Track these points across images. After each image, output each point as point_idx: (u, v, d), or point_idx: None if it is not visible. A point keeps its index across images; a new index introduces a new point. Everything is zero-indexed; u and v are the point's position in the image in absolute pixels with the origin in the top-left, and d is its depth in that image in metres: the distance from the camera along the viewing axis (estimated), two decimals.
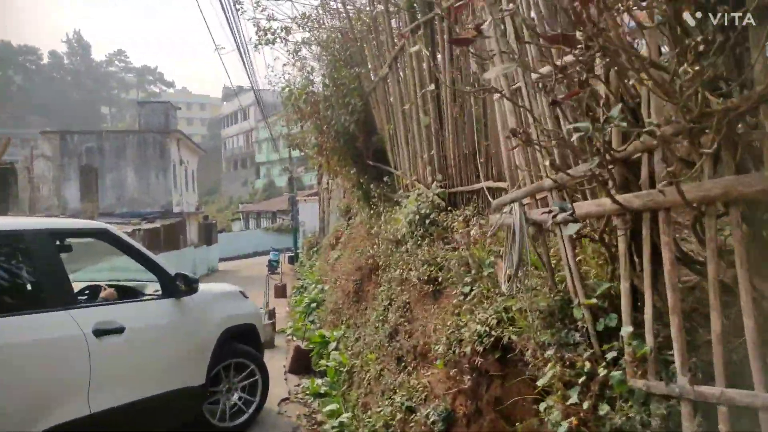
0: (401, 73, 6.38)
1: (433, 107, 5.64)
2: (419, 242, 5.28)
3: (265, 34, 7.52)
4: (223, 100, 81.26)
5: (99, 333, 3.80)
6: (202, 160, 44.80)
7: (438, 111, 5.58)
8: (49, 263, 3.82)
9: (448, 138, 5.43)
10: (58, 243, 4.21)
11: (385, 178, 8.00)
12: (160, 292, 4.71)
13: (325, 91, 8.15)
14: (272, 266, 27.64)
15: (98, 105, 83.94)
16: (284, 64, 8.76)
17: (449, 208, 5.35)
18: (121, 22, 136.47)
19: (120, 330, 3.98)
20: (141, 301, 4.66)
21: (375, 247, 7.96)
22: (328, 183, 27.05)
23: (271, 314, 10.31)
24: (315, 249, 26.43)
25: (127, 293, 4.99)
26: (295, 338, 10.19)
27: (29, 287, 3.89)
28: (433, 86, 5.25)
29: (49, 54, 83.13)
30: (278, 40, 7.63)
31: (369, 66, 7.33)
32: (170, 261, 23.40)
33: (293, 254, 32.03)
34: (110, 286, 5.03)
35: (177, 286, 4.65)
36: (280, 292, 17.38)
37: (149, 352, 4.36)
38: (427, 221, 5.36)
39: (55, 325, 3.63)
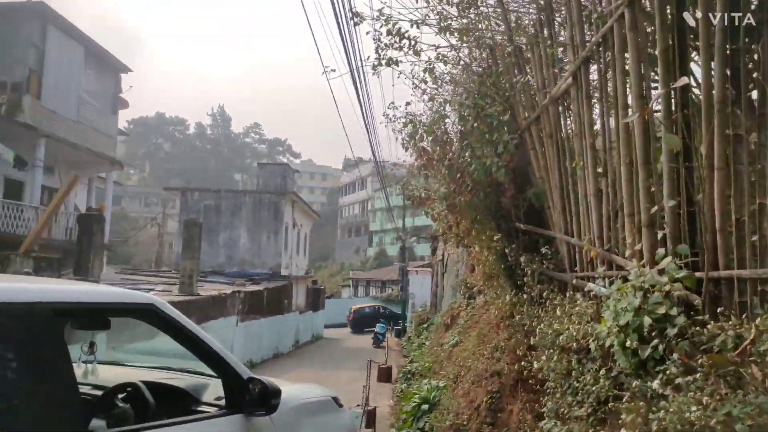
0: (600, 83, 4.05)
1: (667, 125, 3.21)
2: (660, 371, 2.72)
3: (387, 47, 5.57)
4: (343, 170, 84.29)
5: None
6: (318, 226, 44.98)
7: (685, 130, 3.15)
8: (45, 360, 2.17)
9: (708, 179, 2.95)
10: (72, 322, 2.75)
11: (543, 249, 5.53)
12: (222, 402, 3.05)
13: (461, 125, 6.00)
14: (378, 339, 25.67)
15: (232, 172, 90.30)
16: (407, 103, 6.83)
17: (716, 310, 2.78)
18: (259, 97, 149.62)
19: None
20: (190, 421, 2.80)
21: (527, 350, 5.39)
22: (443, 255, 24.90)
23: (370, 418, 7.88)
24: (425, 326, 24.02)
25: (174, 398, 3.17)
26: None
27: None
28: (685, 79, 2.86)
29: (195, 125, 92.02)
30: (404, 56, 5.66)
31: (531, 82, 5.08)
32: (272, 326, 22.18)
33: (400, 327, 29.88)
34: (150, 384, 3.06)
35: (249, 397, 2.93)
36: (384, 375, 14.94)
37: None
38: (670, 331, 2.82)
39: None
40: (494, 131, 5.55)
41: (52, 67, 20.12)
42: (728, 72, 2.80)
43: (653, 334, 2.87)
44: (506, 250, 6.09)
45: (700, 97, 3.05)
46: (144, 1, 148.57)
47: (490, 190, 5.93)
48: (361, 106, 8.48)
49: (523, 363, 4.84)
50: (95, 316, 2.78)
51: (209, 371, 3.31)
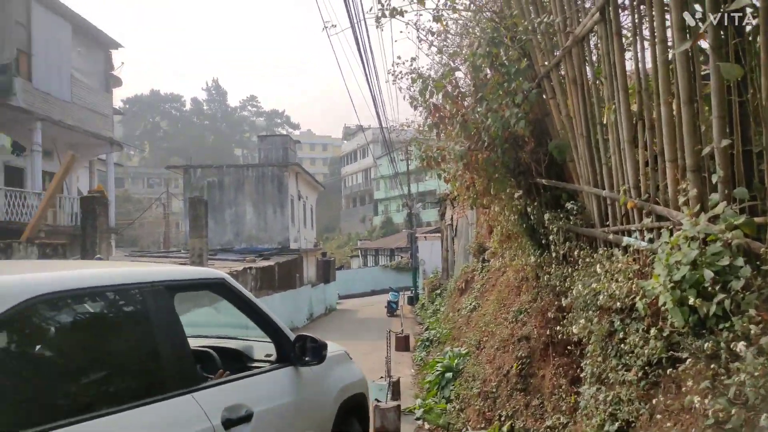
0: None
1: (718, 55, 2.86)
2: (724, 329, 2.45)
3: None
4: (343, 139, 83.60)
5: (229, 423, 2.78)
6: (322, 196, 44.66)
7: (740, 55, 2.80)
8: (170, 328, 2.74)
9: None
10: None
11: (567, 205, 5.21)
12: (272, 358, 3.64)
13: (474, 78, 5.61)
14: (391, 308, 25.65)
15: (232, 147, 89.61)
16: (413, 58, 6.39)
17: None
18: (255, 70, 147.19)
19: (249, 417, 2.92)
20: (263, 373, 3.37)
21: (557, 312, 5.14)
22: (452, 218, 24.62)
23: (395, 389, 7.73)
24: (438, 291, 23.92)
25: (231, 358, 3.79)
26: (427, 424, 7.52)
27: (148, 364, 2.70)
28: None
29: (191, 101, 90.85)
30: (409, 4, 5.22)
31: (554, 26, 4.67)
32: (286, 301, 22.08)
33: (413, 295, 29.87)
34: (211, 348, 3.80)
35: (298, 353, 3.51)
36: (402, 344, 14.85)
37: None
38: (735, 284, 2.53)
39: (181, 416, 2.58)
40: (511, 80, 5.17)
41: (41, 46, 19.51)
42: None
43: (717, 288, 2.58)
44: (528, 208, 5.78)
45: (757, 21, 2.69)
46: None
47: (507, 146, 5.59)
48: (363, 63, 8.03)
49: (557, 327, 4.58)
50: (186, 290, 3.29)
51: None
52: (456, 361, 8.65)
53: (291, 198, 25.19)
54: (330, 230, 73.04)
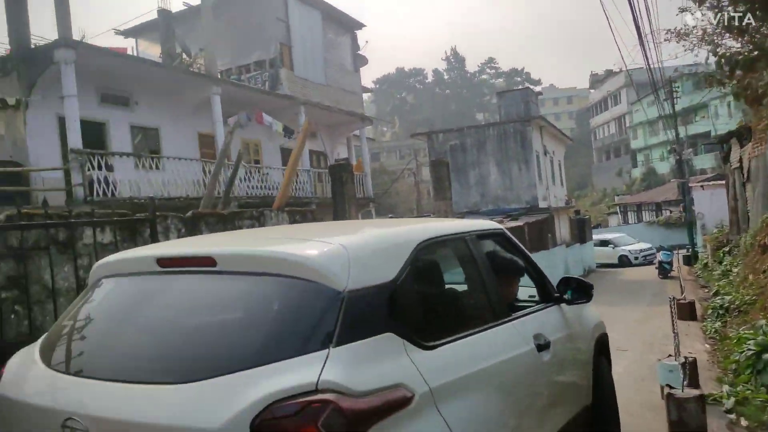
0: None
1: None
2: None
3: None
4: (590, 88, 76.65)
5: (539, 348, 3.16)
6: (570, 151, 41.38)
7: None
8: (487, 267, 3.22)
9: None
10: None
11: None
12: (536, 298, 3.88)
13: None
14: (663, 269, 22.28)
15: (474, 112, 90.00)
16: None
17: None
18: (490, 31, 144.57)
19: (548, 345, 3.27)
20: (541, 310, 3.66)
21: None
22: (740, 160, 19.94)
23: (691, 371, 6.00)
24: (726, 249, 19.79)
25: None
26: (744, 420, 5.68)
27: (489, 293, 3.20)
28: None
29: (433, 72, 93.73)
30: None
31: None
32: (538, 262, 20.80)
33: (689, 253, 25.51)
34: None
35: (568, 292, 3.83)
36: (686, 311, 12.34)
37: (566, 368, 3.68)
38: None
39: (512, 339, 3.05)
40: None
41: (298, 37, 21.62)
42: None
43: None
44: None
45: None
46: None
47: None
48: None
49: None
50: (486, 239, 3.63)
51: None
52: None
53: (536, 154, 23.48)
54: (581, 187, 68.04)
